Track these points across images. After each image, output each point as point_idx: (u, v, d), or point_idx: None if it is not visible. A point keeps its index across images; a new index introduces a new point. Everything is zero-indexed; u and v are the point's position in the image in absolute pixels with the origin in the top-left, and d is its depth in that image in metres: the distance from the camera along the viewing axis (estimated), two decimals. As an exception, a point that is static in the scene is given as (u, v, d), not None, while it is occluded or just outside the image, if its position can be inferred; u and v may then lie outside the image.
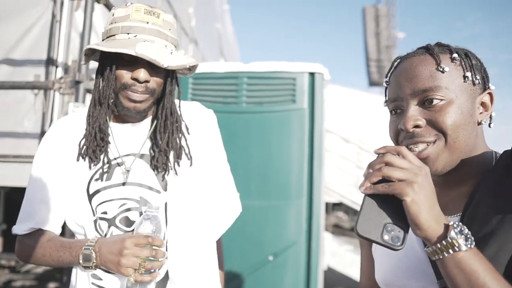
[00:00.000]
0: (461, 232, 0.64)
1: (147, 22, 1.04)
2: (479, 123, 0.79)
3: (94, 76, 2.75)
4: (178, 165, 1.13)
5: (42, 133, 2.71)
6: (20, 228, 1.12)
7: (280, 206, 2.54)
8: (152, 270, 1.01)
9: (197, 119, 1.22)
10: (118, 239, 1.01)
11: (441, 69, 0.76)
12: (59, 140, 1.14)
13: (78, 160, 1.11)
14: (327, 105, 3.05)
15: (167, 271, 1.11)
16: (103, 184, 1.10)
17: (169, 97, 1.13)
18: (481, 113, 0.79)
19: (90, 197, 1.09)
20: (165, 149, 1.11)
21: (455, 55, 0.78)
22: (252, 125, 2.66)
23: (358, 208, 5.87)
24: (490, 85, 0.81)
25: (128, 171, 1.10)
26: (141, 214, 1.09)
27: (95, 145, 1.09)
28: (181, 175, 1.14)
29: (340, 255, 4.18)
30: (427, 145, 0.76)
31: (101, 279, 1.08)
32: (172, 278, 1.09)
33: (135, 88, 1.05)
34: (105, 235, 1.09)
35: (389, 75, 0.86)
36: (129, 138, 1.14)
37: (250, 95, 2.74)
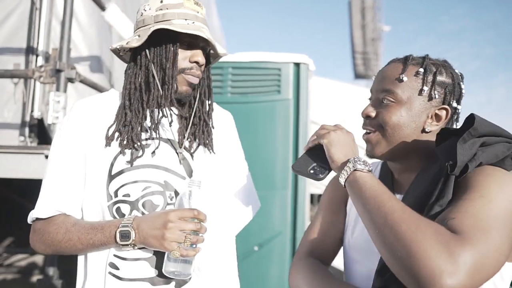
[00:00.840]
0: (360, 160, 0.87)
1: (197, 12, 1.12)
2: (424, 131, 0.94)
3: (79, 64, 2.71)
4: (208, 150, 1.17)
5: (23, 123, 2.65)
6: (41, 212, 1.06)
7: (265, 197, 2.54)
8: (195, 246, 0.99)
9: (216, 117, 1.24)
10: (161, 213, 0.99)
11: (400, 78, 0.94)
12: (81, 121, 1.10)
13: (105, 142, 1.09)
14: (313, 97, 3.05)
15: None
16: (128, 165, 1.07)
17: (211, 82, 1.20)
18: (431, 123, 0.94)
19: (111, 178, 1.06)
20: (206, 131, 1.16)
21: (421, 69, 0.94)
22: (237, 116, 2.61)
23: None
24: (454, 102, 0.95)
25: (154, 153, 1.10)
26: (165, 199, 1.08)
27: (132, 129, 1.09)
28: (206, 162, 1.15)
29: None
30: (369, 132, 0.98)
31: (118, 268, 1.05)
32: (197, 266, 1.08)
33: (194, 72, 1.11)
34: None
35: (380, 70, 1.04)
36: (159, 121, 1.13)
37: (235, 85, 2.72)
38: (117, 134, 1.09)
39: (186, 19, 1.08)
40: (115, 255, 1.05)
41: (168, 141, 1.12)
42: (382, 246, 0.76)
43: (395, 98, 0.94)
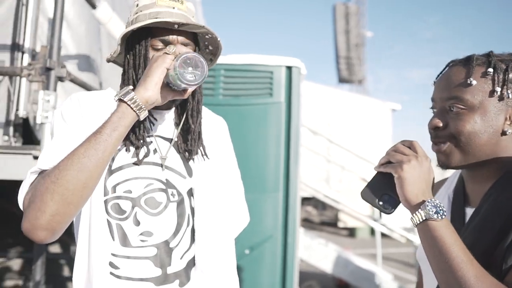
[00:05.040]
0: (434, 206, 0.79)
1: (173, 8, 1.06)
2: (504, 133, 0.86)
3: (67, 63, 2.64)
4: (204, 151, 1.14)
5: (7, 122, 2.57)
6: (47, 163, 0.92)
7: (256, 200, 2.53)
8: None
9: (209, 124, 1.22)
10: None
11: (469, 82, 0.86)
12: (83, 110, 1.04)
13: None
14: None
15: (192, 259, 1.08)
16: (129, 160, 1.04)
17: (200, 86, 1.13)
18: (510, 124, 0.86)
19: (111, 172, 1.03)
20: (198, 132, 1.12)
21: (490, 69, 0.86)
22: (228, 118, 2.59)
23: (330, 202, 5.93)
24: None
25: (155, 151, 1.08)
26: (167, 196, 1.06)
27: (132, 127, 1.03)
28: (205, 162, 1.14)
29: (312, 249, 4.24)
30: (441, 144, 0.90)
31: (118, 268, 1.02)
32: (198, 266, 1.07)
33: None
34: (127, 216, 1.03)
35: (439, 76, 0.96)
36: (158, 123, 1.12)
37: (227, 88, 2.71)
38: None
39: (156, 18, 1.02)
40: (114, 254, 1.02)
41: (169, 140, 1.11)
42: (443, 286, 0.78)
43: (466, 104, 0.86)
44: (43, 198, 0.85)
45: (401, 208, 0.90)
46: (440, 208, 0.79)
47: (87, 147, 0.88)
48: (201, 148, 1.13)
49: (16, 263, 4.62)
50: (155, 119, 1.12)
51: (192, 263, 1.08)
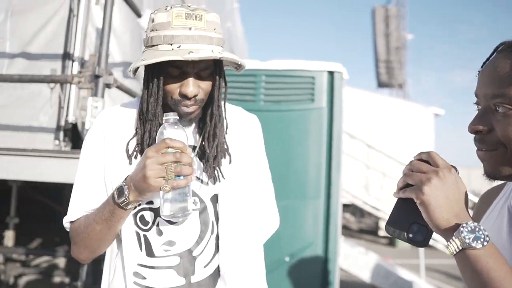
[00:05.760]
0: (471, 231, 0.65)
1: (190, 28, 0.99)
2: None
3: (113, 70, 2.74)
4: (220, 165, 1.11)
5: (58, 127, 2.69)
6: (73, 215, 1.09)
7: (297, 206, 2.50)
8: (183, 177, 0.94)
9: (241, 123, 1.20)
10: (142, 157, 0.98)
11: None
12: (103, 132, 1.10)
13: (127, 155, 1.08)
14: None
15: (218, 268, 1.08)
16: None
17: (217, 103, 1.09)
18: None
19: None
20: (214, 156, 1.08)
21: None
22: (270, 124, 2.62)
23: (369, 209, 5.79)
24: None
25: None
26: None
27: (147, 145, 1.07)
28: (230, 168, 1.12)
29: (353, 257, 4.14)
30: (486, 151, 0.75)
31: (144, 278, 1.04)
32: (223, 276, 1.06)
33: (185, 103, 1.03)
34: (151, 227, 1.05)
35: (484, 64, 0.79)
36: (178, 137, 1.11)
37: (268, 93, 2.71)
38: (138, 147, 1.08)
39: (171, 43, 0.97)
40: (140, 264, 1.04)
41: (192, 147, 1.10)
42: None
43: None
44: (80, 247, 1.09)
45: None
46: (480, 232, 0.65)
47: (101, 227, 1.02)
48: (217, 170, 1.10)
49: (62, 261, 4.82)
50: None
51: (218, 271, 1.07)
